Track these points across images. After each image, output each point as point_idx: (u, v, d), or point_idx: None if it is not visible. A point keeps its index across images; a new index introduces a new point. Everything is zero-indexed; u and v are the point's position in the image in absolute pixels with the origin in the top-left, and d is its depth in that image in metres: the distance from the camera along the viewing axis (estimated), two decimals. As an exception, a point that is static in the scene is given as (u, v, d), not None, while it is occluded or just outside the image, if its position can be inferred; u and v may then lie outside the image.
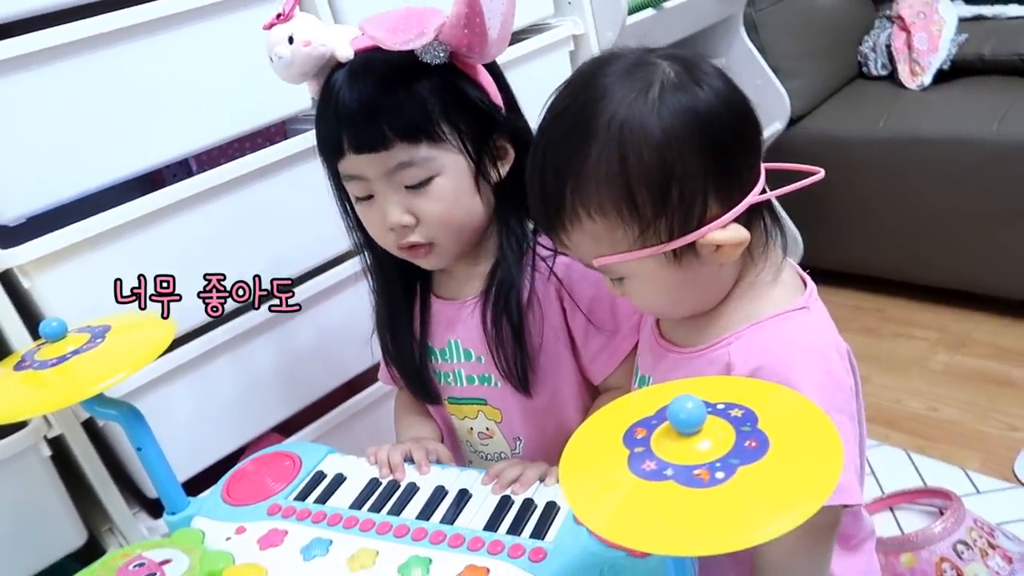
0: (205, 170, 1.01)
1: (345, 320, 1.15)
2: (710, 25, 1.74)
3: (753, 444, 0.46)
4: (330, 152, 0.77)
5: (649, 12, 1.47)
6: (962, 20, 1.90)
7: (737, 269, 0.66)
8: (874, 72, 1.95)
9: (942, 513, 1.18)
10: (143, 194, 0.94)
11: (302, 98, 1.07)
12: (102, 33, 0.88)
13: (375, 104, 0.72)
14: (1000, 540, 1.14)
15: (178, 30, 0.94)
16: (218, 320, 1.02)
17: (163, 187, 0.96)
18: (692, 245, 0.61)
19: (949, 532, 1.13)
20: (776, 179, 0.67)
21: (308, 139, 1.06)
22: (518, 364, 0.81)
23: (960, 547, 1.12)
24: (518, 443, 0.88)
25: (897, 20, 1.93)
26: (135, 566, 0.70)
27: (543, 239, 0.82)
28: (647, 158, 0.59)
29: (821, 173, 0.66)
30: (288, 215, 1.07)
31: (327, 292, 1.12)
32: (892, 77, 1.91)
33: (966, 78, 1.82)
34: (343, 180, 0.79)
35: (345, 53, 0.73)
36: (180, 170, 1.18)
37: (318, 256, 1.12)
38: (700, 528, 0.43)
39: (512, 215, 0.81)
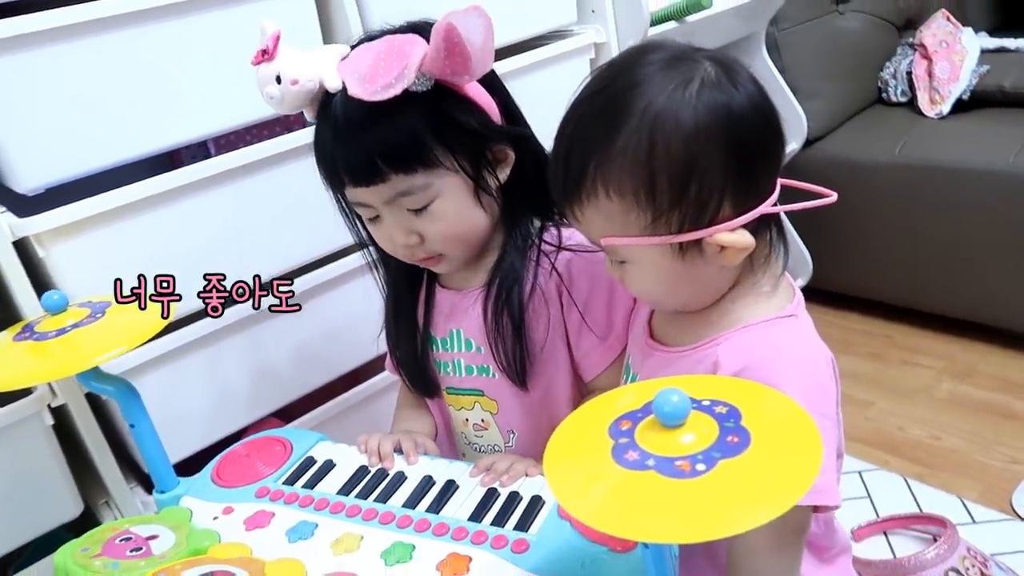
0: (223, 153, 1.02)
1: (351, 310, 1.15)
2: (732, 42, 1.74)
3: (735, 439, 0.46)
4: (333, 183, 0.79)
5: (672, 25, 1.48)
6: (984, 51, 1.89)
7: (735, 274, 0.67)
8: (894, 98, 1.95)
9: (936, 540, 1.17)
10: (161, 173, 0.96)
11: (320, 89, 1.09)
12: (129, 12, 0.89)
13: (366, 140, 0.72)
14: (993, 570, 1.13)
15: (205, 13, 0.96)
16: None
17: (181, 167, 0.98)
18: (698, 242, 0.62)
19: (942, 559, 1.12)
20: (790, 198, 0.68)
21: (323, 130, 1.07)
22: (516, 358, 0.81)
23: (952, 574, 1.11)
24: (512, 436, 0.89)
25: (919, 48, 1.93)
26: (122, 540, 0.71)
27: (547, 235, 0.83)
28: (675, 149, 0.60)
29: (834, 197, 0.67)
30: (301, 203, 1.08)
31: (336, 281, 1.13)
32: (911, 104, 1.91)
33: (985, 109, 1.81)
34: (352, 204, 0.81)
35: (334, 84, 0.73)
36: (199, 152, 1.19)
37: (329, 244, 1.13)
38: (679, 517, 0.43)
39: (518, 212, 0.82)
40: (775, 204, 0.64)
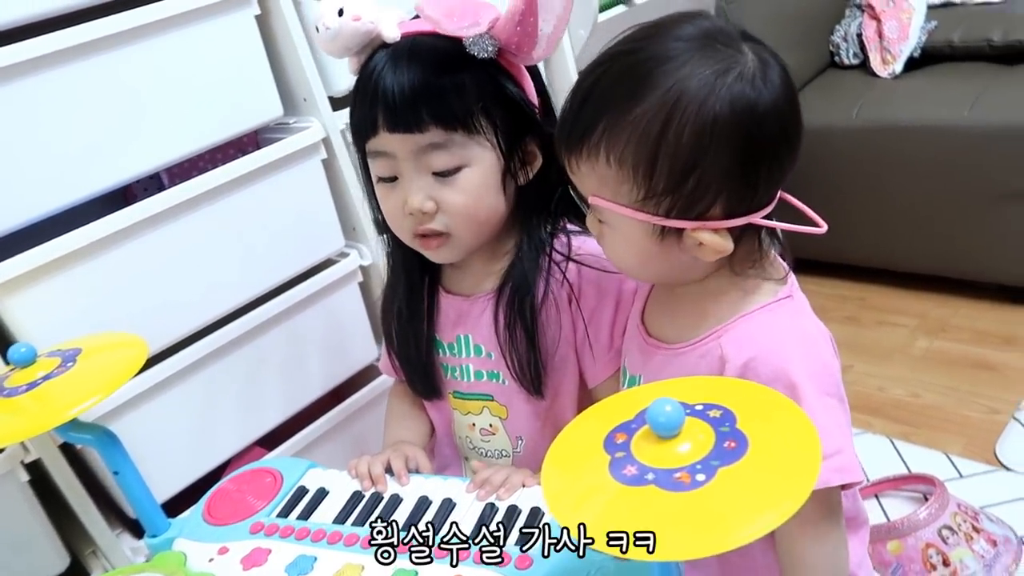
0: (177, 183, 0.99)
1: (323, 330, 1.14)
2: (682, 20, 1.74)
3: (732, 444, 0.46)
4: (363, 129, 0.76)
5: (621, 9, 1.47)
6: (931, 7, 1.91)
7: (711, 266, 0.66)
8: (846, 61, 1.96)
9: (926, 499, 1.19)
10: (113, 210, 0.93)
11: (273, 106, 1.06)
12: (67, 48, 0.86)
13: (416, 87, 0.72)
14: (984, 524, 1.15)
15: (145, 42, 0.93)
16: (191, 338, 1.01)
17: (134, 202, 0.95)
18: (680, 230, 0.62)
19: (934, 518, 1.14)
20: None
21: (282, 148, 1.05)
22: (531, 366, 0.81)
23: (945, 532, 1.12)
24: (520, 442, 0.88)
25: (867, 8, 1.94)
26: (116, 592, 0.69)
27: (558, 243, 0.82)
28: (686, 137, 0.58)
29: (824, 228, 0.65)
30: (263, 225, 1.06)
31: (310, 299, 1.12)
32: (864, 66, 1.92)
33: (936, 65, 1.83)
34: (370, 157, 0.78)
35: (391, 34, 0.74)
36: (151, 184, 1.16)
37: (295, 266, 1.11)
38: (683, 532, 0.43)
39: (533, 217, 0.81)
40: (770, 216, 0.63)
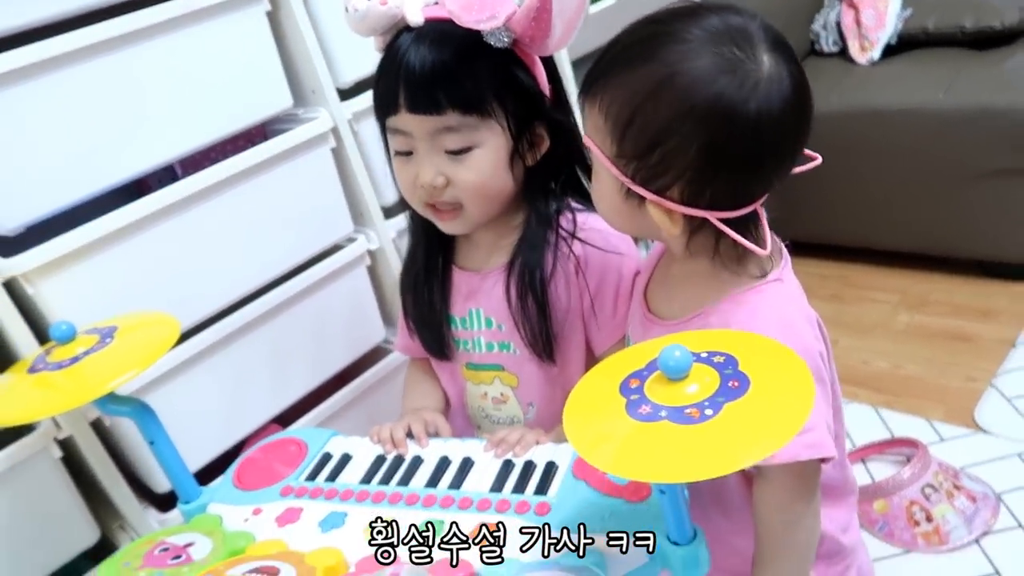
0: (189, 174, 1.03)
1: (339, 309, 1.19)
2: (667, 11, 1.79)
3: (736, 384, 0.52)
4: (386, 107, 0.82)
5: (610, 2, 1.52)
6: (906, -4, 1.98)
7: (682, 241, 0.69)
8: (826, 49, 2.03)
9: (910, 461, 1.26)
10: (127, 201, 0.97)
11: (283, 98, 1.11)
12: (86, 46, 0.90)
13: (437, 72, 0.77)
14: (964, 482, 1.21)
15: (161, 39, 0.97)
16: (214, 317, 1.05)
17: (149, 192, 0.99)
18: (643, 196, 0.66)
19: (917, 477, 1.20)
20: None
21: (292, 138, 1.10)
22: (542, 335, 0.86)
23: (928, 490, 1.19)
24: (531, 408, 0.93)
25: (845, -2, 2.01)
26: (160, 551, 0.73)
27: (564, 219, 0.87)
28: (659, 114, 0.62)
29: (767, 252, 0.67)
30: (275, 213, 1.11)
31: (321, 283, 1.16)
32: (843, 53, 1.99)
33: (912, 51, 1.90)
34: (388, 132, 0.84)
35: (416, 19, 0.79)
36: (165, 175, 1.20)
37: (309, 249, 1.16)
38: (694, 457, 0.48)
39: (540, 196, 0.86)
40: (745, 222, 0.66)
